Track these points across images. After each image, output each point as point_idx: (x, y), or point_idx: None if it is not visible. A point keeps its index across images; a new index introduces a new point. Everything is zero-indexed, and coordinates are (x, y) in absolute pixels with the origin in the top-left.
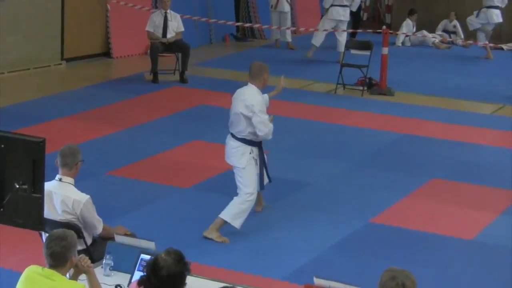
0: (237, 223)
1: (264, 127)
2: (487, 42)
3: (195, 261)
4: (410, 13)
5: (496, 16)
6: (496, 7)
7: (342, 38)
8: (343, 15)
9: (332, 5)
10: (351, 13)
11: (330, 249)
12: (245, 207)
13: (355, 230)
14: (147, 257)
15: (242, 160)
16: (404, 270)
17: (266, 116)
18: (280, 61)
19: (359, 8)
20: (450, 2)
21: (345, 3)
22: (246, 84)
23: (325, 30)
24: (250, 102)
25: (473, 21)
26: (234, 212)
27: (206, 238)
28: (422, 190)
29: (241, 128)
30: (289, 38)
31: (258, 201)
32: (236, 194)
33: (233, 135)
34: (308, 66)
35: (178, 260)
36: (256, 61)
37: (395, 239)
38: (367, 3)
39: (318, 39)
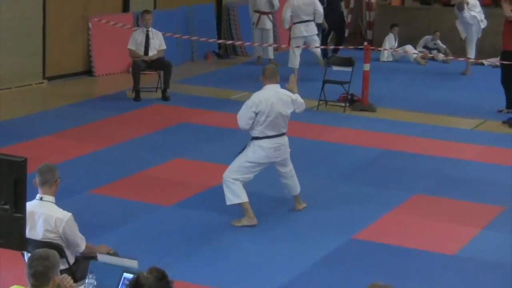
0: None
1: (303, 105)
2: (471, 57)
3: (179, 279)
4: (391, 27)
5: (471, 18)
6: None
7: (317, 50)
8: (306, 30)
9: (294, 23)
10: (335, 29)
11: (314, 265)
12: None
13: (338, 246)
14: (130, 276)
15: None
16: (387, 285)
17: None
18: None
19: (343, 24)
20: (431, 18)
21: (305, 18)
22: (226, 99)
23: (297, 47)
24: (293, 98)
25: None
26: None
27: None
28: (405, 205)
29: (285, 124)
30: (271, 55)
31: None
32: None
33: (284, 133)
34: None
35: (159, 279)
36: (270, 64)
37: (379, 255)
38: (349, 19)
39: (293, 61)
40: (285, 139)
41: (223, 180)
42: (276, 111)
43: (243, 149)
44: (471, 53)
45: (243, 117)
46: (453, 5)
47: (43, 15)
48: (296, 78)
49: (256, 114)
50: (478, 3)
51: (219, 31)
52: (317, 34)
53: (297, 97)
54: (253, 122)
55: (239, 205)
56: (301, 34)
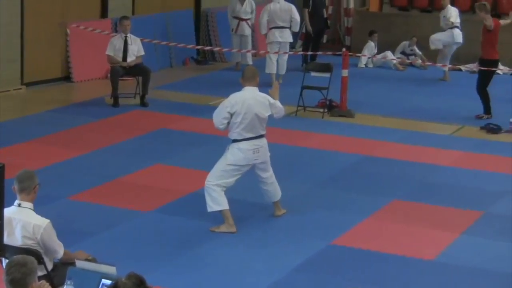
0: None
1: (282, 110)
2: (446, 64)
3: (157, 284)
4: (370, 34)
5: (459, 36)
6: (457, 27)
7: (282, 60)
8: (281, 36)
9: (270, 28)
10: (316, 35)
11: (292, 271)
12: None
13: (317, 252)
14: (108, 282)
15: None
16: None
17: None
18: (240, 84)
19: (325, 29)
20: (409, 24)
21: (281, 24)
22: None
23: (275, 53)
24: (271, 101)
25: (437, 39)
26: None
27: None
28: (384, 211)
29: (264, 125)
30: (250, 61)
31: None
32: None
33: (262, 135)
34: (268, 89)
35: (137, 284)
36: (249, 66)
37: (358, 260)
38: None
39: (270, 67)
40: (263, 141)
41: (205, 186)
42: (253, 113)
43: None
44: (441, 61)
45: (218, 116)
46: (429, 11)
47: (21, 21)
48: (276, 83)
49: (232, 115)
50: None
51: (198, 37)
52: (291, 42)
53: (275, 102)
54: (229, 123)
55: (220, 212)
56: (276, 40)
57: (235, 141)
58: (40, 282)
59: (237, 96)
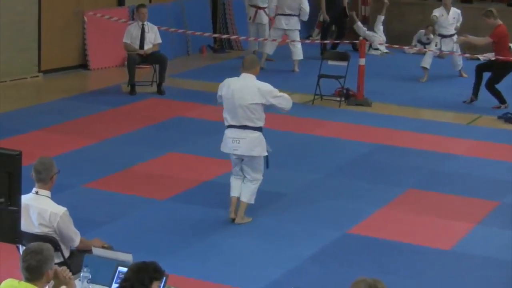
0: (253, 200)
1: (287, 102)
2: (459, 63)
3: (173, 273)
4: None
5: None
6: None
7: (295, 48)
8: (287, 24)
9: (277, 14)
10: (336, 23)
11: (307, 260)
12: (257, 187)
13: (332, 241)
14: (125, 269)
15: (266, 147)
16: (375, 279)
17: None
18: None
19: (345, 18)
20: (425, 12)
21: (288, 12)
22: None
23: (273, 40)
24: (264, 88)
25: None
26: (252, 193)
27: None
28: (399, 200)
29: (258, 116)
30: (268, 50)
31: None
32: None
33: (247, 127)
34: (285, 77)
35: (135, 271)
36: (250, 55)
37: (372, 250)
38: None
39: (267, 48)
40: (248, 134)
41: None
42: (235, 99)
43: None
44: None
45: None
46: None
47: (38, 9)
48: (263, 64)
49: (221, 97)
50: None
51: (214, 25)
52: (299, 30)
53: (277, 92)
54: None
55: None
56: (281, 26)
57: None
58: (61, 267)
59: (229, 80)
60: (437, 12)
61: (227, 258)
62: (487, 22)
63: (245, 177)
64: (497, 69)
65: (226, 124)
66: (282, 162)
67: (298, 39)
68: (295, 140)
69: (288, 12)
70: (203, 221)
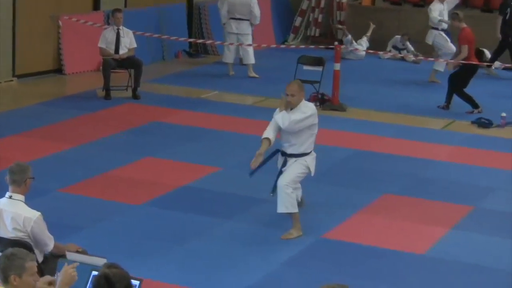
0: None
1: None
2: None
3: (148, 277)
4: None
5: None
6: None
7: (246, 52)
8: (237, 28)
9: (229, 19)
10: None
11: (283, 265)
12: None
13: (307, 246)
14: None
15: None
16: (343, 285)
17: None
18: (233, 77)
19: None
20: (401, 18)
21: (238, 16)
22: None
23: (231, 44)
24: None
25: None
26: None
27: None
28: (374, 205)
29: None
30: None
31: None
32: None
33: None
34: (260, 82)
35: (124, 270)
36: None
37: (348, 254)
38: (320, 19)
39: (226, 57)
40: None
41: None
42: None
43: None
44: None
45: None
46: (422, 6)
47: (13, 13)
48: (232, 73)
49: None
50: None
51: (190, 30)
52: (250, 34)
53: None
54: None
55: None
56: (232, 31)
57: None
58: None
59: None
60: (436, 12)
61: (204, 263)
62: (453, 24)
63: None
64: (462, 73)
65: None
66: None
67: (250, 42)
68: (272, 146)
69: (238, 16)
70: (180, 226)
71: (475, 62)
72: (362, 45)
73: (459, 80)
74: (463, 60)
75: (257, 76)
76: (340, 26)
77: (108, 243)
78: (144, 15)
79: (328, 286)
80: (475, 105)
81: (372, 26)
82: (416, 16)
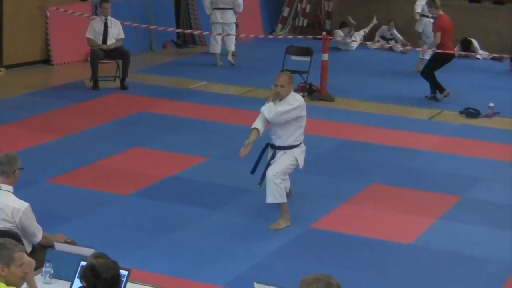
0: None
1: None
2: (421, 56)
3: (136, 268)
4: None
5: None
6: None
7: (228, 40)
8: (222, 17)
9: (213, 9)
10: None
11: (271, 255)
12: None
13: (296, 236)
14: None
15: None
16: (326, 275)
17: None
18: (221, 67)
19: None
20: (390, 9)
21: (222, 6)
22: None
23: (218, 34)
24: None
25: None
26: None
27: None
28: (362, 195)
29: None
30: (232, 47)
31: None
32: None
33: None
34: (248, 72)
35: (112, 260)
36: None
37: (336, 244)
38: (308, 9)
39: (213, 47)
40: None
41: None
42: None
43: None
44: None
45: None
46: None
47: (0, 3)
48: (220, 63)
49: None
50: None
51: (178, 21)
52: (235, 23)
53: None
54: None
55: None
56: (217, 21)
57: None
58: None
59: None
60: (422, 1)
61: (191, 253)
62: (430, 11)
63: None
64: (432, 59)
65: None
66: (247, 158)
67: (234, 32)
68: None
69: (222, 6)
70: (168, 216)
71: (450, 51)
72: (356, 38)
73: (429, 64)
74: (436, 47)
75: (233, 62)
76: (352, 21)
77: (96, 233)
78: (132, 6)
79: (316, 279)
80: (441, 89)
81: (374, 22)
82: (404, 6)
